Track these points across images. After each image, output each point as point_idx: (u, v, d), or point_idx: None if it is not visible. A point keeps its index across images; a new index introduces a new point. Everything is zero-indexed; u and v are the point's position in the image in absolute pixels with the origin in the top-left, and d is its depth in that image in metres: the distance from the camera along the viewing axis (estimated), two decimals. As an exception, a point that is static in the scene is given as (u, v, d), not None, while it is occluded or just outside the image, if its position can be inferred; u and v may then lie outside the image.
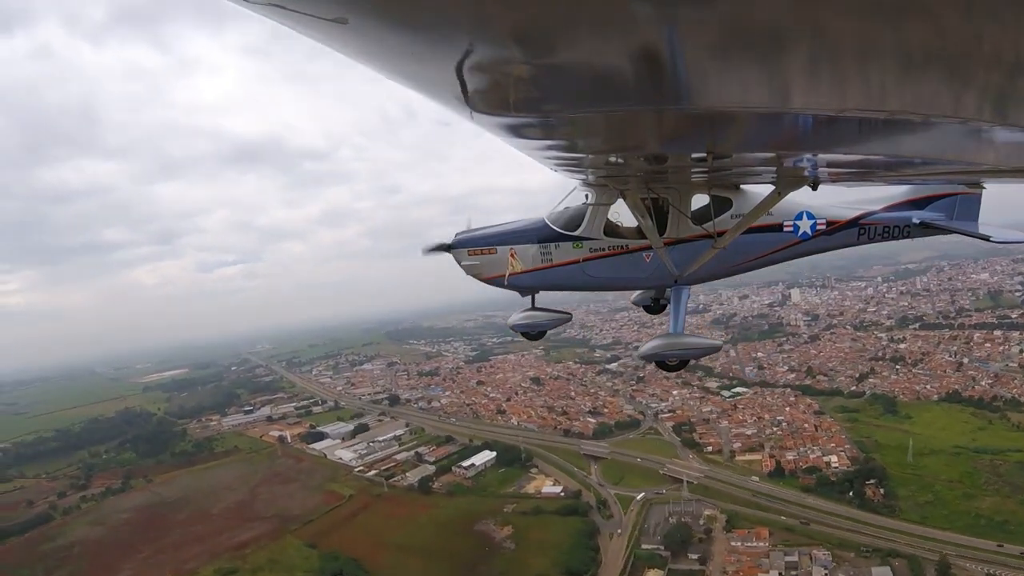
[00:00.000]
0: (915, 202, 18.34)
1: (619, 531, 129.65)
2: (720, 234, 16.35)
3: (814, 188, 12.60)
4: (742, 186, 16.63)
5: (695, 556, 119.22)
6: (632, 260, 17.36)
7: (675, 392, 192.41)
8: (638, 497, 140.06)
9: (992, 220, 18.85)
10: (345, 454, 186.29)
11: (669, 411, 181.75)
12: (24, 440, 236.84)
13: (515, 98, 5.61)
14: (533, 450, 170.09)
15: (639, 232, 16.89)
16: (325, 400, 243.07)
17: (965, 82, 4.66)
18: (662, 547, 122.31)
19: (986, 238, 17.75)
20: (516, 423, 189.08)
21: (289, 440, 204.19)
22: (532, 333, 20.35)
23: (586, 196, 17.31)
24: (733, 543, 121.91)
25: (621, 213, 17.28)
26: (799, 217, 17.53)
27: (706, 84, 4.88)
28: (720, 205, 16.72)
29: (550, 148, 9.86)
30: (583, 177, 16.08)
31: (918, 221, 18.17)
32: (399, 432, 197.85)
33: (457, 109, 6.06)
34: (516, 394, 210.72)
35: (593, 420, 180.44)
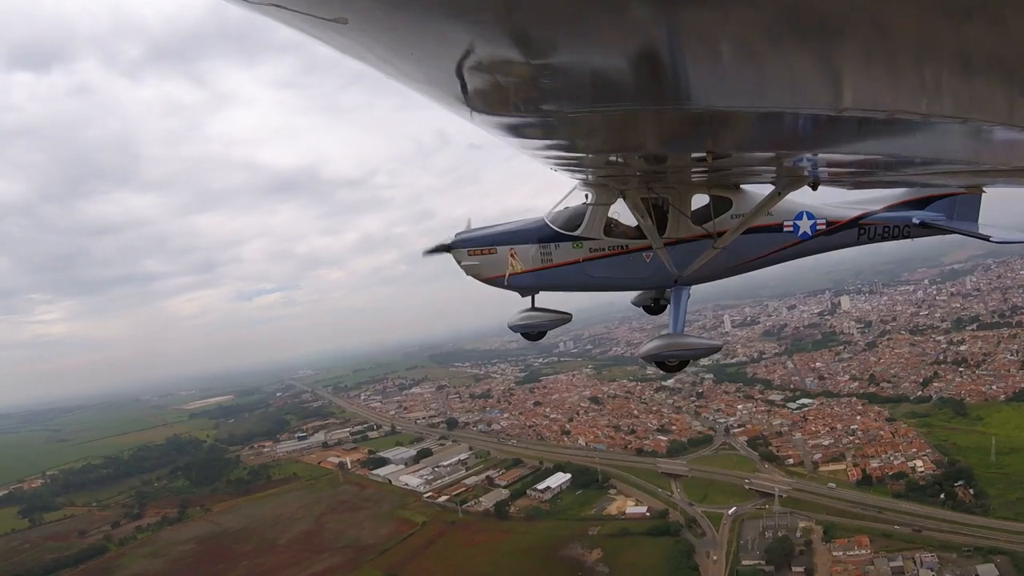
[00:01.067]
0: (915, 202, 18.38)
1: (715, 549, 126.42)
2: (720, 234, 16.43)
3: (814, 188, 12.75)
4: (742, 186, 16.65)
5: (800, 568, 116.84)
6: (632, 260, 17.40)
7: (739, 406, 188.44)
8: (728, 513, 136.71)
9: (993, 221, 18.89)
10: (411, 480, 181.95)
11: (739, 426, 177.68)
12: (72, 468, 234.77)
13: (515, 98, 5.63)
14: (607, 470, 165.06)
15: (639, 232, 16.91)
16: (379, 425, 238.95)
17: (965, 82, 4.64)
18: (763, 562, 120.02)
19: (986, 238, 17.93)
20: (584, 444, 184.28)
21: (349, 466, 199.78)
22: (532, 333, 20.40)
23: (586, 196, 17.35)
24: (835, 553, 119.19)
25: (621, 213, 17.29)
26: (799, 217, 17.56)
27: (706, 84, 4.90)
28: (720, 205, 16.77)
29: (550, 148, 9.87)
30: (583, 177, 16.12)
31: (918, 221, 18.21)
32: (463, 456, 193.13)
33: (457, 109, 6.09)
34: (577, 414, 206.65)
35: (664, 438, 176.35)
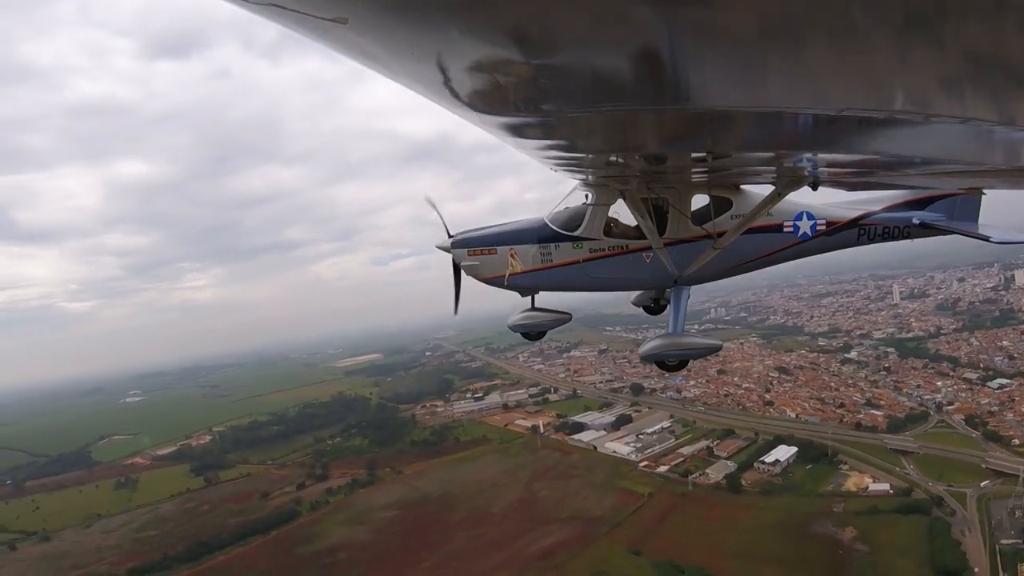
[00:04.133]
0: (915, 202, 18.40)
1: (968, 528, 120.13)
2: (720, 234, 16.47)
3: (814, 188, 12.64)
4: (742, 186, 16.69)
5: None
6: (632, 260, 17.46)
7: (938, 383, 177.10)
8: (968, 493, 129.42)
9: (993, 221, 18.94)
10: (618, 447, 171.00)
11: (948, 404, 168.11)
12: (238, 424, 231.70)
13: (515, 98, 5.66)
14: (828, 444, 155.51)
15: (639, 232, 16.93)
16: (556, 388, 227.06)
17: (965, 82, 4.67)
18: (1021, 541, 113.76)
19: (986, 239, 17.95)
20: (795, 416, 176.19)
21: (542, 430, 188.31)
22: (532, 333, 20.46)
23: (586, 196, 17.41)
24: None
25: (621, 213, 17.35)
26: (799, 217, 17.62)
27: (706, 84, 4.89)
28: (720, 205, 16.82)
29: (550, 148, 9.89)
30: (583, 177, 16.18)
31: (918, 222, 18.25)
32: (665, 423, 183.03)
33: (457, 109, 6.09)
34: (772, 385, 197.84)
35: (878, 413, 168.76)
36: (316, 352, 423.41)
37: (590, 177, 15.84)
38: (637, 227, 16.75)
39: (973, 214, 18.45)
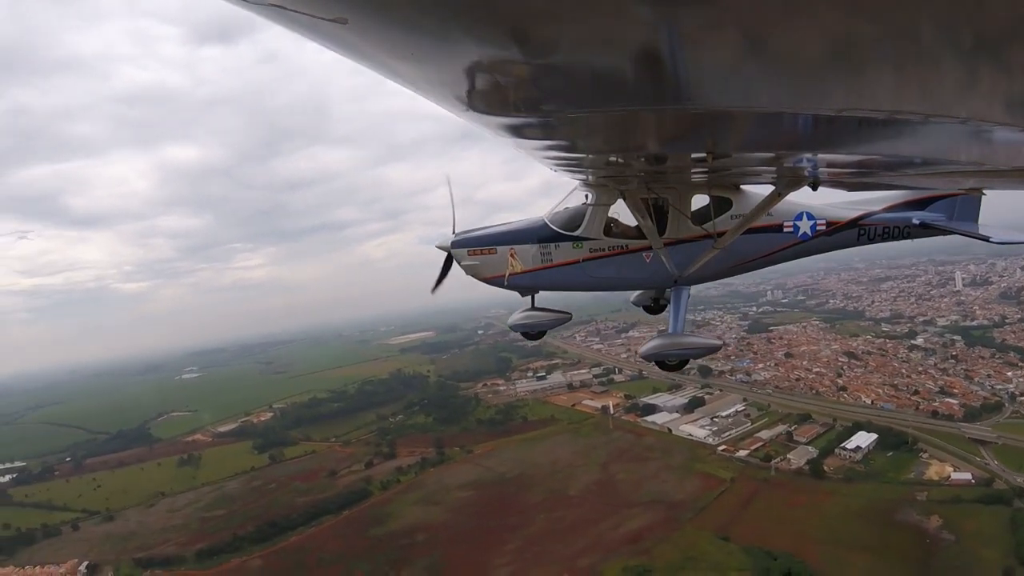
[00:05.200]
0: (915, 203, 18.41)
1: None
2: (720, 234, 16.50)
3: (814, 188, 12.73)
4: (742, 186, 16.71)
5: None
6: (632, 260, 17.52)
7: (1009, 372, 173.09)
8: None
9: (993, 221, 19.06)
10: (693, 430, 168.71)
11: (1020, 394, 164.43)
12: (298, 401, 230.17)
13: (515, 98, 5.63)
14: (907, 431, 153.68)
15: (639, 232, 17.01)
16: (620, 368, 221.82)
17: (965, 82, 4.62)
18: None
19: (986, 239, 17.99)
20: (870, 402, 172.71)
21: (612, 411, 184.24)
22: (532, 333, 20.60)
23: (586, 196, 17.45)
24: None
25: (621, 213, 17.40)
26: (799, 217, 17.68)
27: (706, 84, 4.89)
28: (720, 205, 16.88)
29: (550, 148, 9.89)
30: (583, 177, 16.19)
31: (918, 222, 18.30)
32: (739, 407, 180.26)
33: (457, 109, 6.10)
34: (843, 370, 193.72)
35: (953, 401, 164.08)
36: (368, 329, 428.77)
37: (590, 177, 15.93)
38: (637, 227, 16.87)
39: (973, 214, 18.48)
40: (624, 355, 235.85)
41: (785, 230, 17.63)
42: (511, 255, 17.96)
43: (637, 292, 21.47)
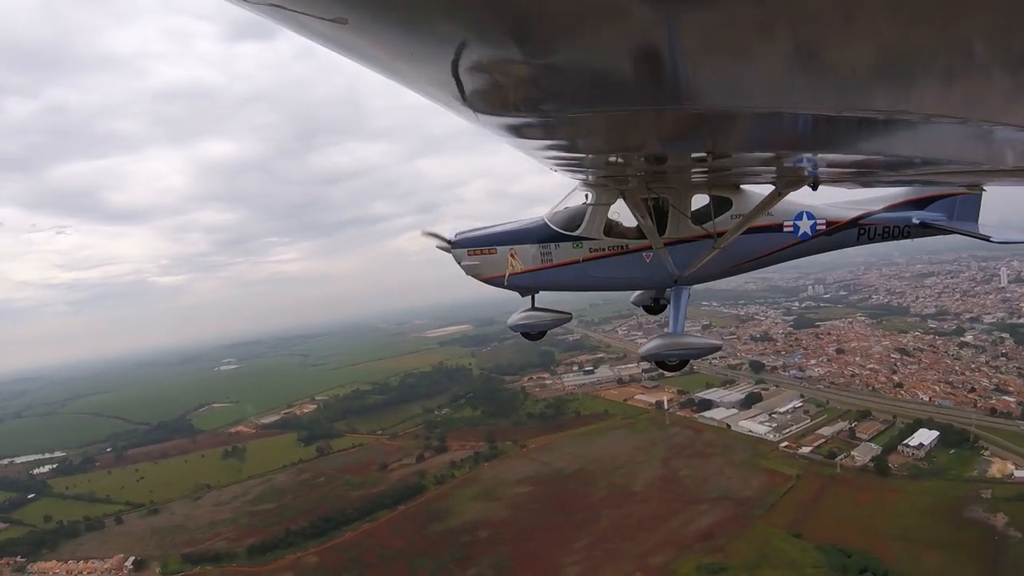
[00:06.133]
0: (915, 202, 18.40)
1: None
2: (720, 234, 16.50)
3: (814, 188, 12.58)
4: (742, 186, 16.71)
5: None
6: (632, 260, 17.49)
7: None
8: None
9: (993, 221, 19.17)
10: (753, 426, 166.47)
11: None
12: (339, 393, 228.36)
13: (515, 98, 5.64)
14: (968, 429, 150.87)
15: (639, 232, 17.01)
16: None
17: (965, 82, 4.64)
18: None
19: (986, 238, 18.02)
20: (928, 399, 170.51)
21: (667, 406, 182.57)
22: (532, 333, 20.49)
23: (586, 196, 17.43)
24: None
25: (621, 213, 17.38)
26: (799, 217, 17.66)
27: (706, 84, 4.89)
28: (720, 205, 16.88)
29: (550, 148, 9.89)
30: (583, 177, 16.20)
31: (918, 221, 18.27)
32: (797, 403, 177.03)
33: (457, 109, 6.14)
34: (897, 367, 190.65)
35: (1010, 399, 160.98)
36: (404, 322, 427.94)
37: (590, 177, 15.93)
38: (637, 227, 16.88)
39: (973, 214, 18.49)
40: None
41: (785, 230, 17.66)
42: (511, 255, 17.95)
43: (637, 292, 21.45)
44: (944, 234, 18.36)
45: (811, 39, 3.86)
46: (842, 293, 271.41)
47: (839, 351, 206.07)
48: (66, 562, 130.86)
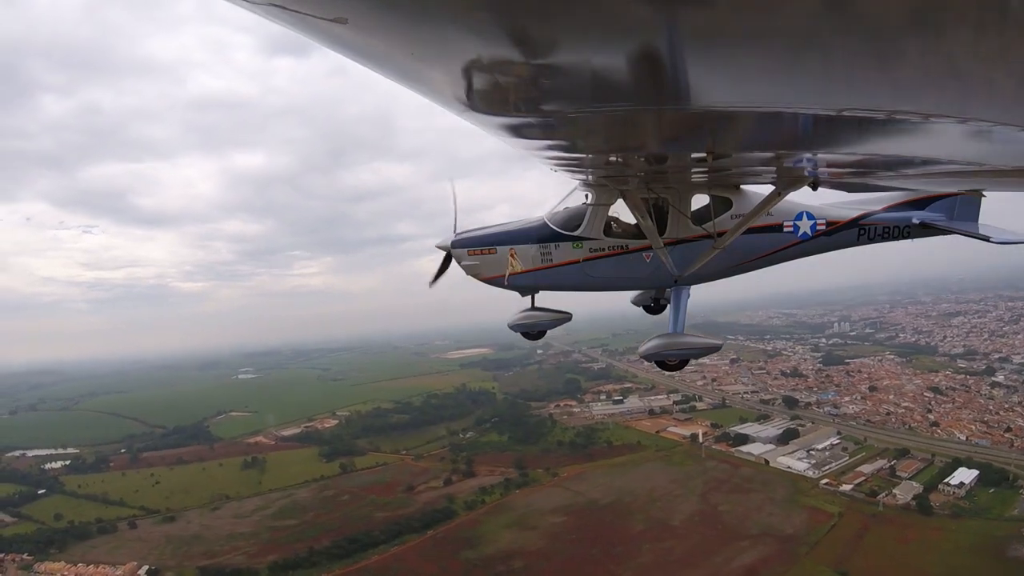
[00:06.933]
0: (915, 202, 18.52)
1: None
2: (720, 234, 16.54)
3: (814, 188, 12.85)
4: (742, 186, 16.81)
5: None
6: (632, 260, 17.57)
7: None
8: None
9: (993, 221, 19.09)
10: (792, 462, 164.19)
11: None
12: (362, 409, 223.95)
13: (515, 98, 5.67)
14: (1007, 468, 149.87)
15: (639, 232, 17.03)
16: (700, 396, 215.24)
17: (965, 82, 4.65)
18: None
19: (986, 239, 17.88)
20: (965, 439, 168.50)
21: (701, 440, 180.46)
22: (532, 333, 20.57)
23: (586, 196, 17.52)
24: None
25: (621, 213, 17.49)
26: (799, 217, 17.76)
27: (706, 84, 4.93)
28: (720, 205, 16.98)
29: (550, 148, 9.91)
30: (583, 177, 16.27)
31: (918, 221, 18.36)
32: (835, 440, 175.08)
33: (457, 109, 6.12)
34: (932, 406, 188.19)
35: None
36: (424, 343, 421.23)
37: (590, 177, 16.01)
38: (637, 227, 16.87)
39: (973, 214, 18.60)
40: (700, 382, 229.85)
41: (785, 230, 17.74)
42: (511, 255, 17.97)
43: (637, 292, 21.55)
44: (944, 234, 18.38)
45: (810, 39, 3.85)
46: (868, 331, 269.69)
47: (872, 388, 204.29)
48: (75, 564, 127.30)
